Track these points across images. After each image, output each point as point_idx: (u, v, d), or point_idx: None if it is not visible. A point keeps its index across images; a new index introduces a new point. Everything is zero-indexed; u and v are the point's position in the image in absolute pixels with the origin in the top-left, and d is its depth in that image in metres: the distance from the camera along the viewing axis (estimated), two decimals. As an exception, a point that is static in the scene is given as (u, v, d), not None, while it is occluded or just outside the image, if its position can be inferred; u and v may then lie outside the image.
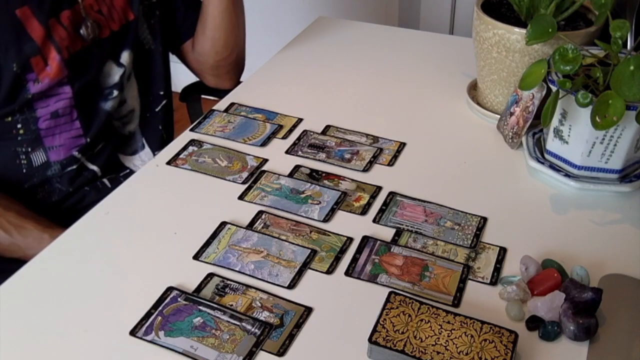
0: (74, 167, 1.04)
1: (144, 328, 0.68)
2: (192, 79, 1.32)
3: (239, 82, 1.24)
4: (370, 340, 0.64)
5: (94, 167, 1.07)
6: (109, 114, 1.07)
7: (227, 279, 0.74)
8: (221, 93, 1.18)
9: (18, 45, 0.93)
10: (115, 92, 1.07)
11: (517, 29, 0.95)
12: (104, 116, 1.07)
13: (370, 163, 0.94)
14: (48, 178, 1.03)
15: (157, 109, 1.18)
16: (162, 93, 1.19)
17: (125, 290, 0.73)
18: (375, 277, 0.75)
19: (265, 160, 0.95)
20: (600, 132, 0.83)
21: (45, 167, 1.02)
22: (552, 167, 0.91)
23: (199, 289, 0.73)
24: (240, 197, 0.87)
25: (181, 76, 1.37)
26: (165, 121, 1.20)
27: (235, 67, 1.24)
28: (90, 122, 1.04)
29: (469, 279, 0.75)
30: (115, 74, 1.07)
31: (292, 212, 0.84)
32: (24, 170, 1.01)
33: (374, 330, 0.65)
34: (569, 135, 0.88)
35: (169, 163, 0.94)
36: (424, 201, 0.87)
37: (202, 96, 1.37)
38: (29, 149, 1.00)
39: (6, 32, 0.92)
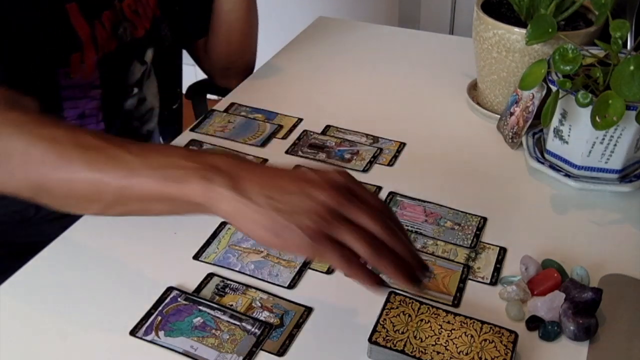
0: None
1: (144, 328, 0.68)
2: (192, 77, 1.32)
3: None
4: (370, 340, 0.64)
5: None
6: (129, 113, 1.07)
7: (227, 279, 0.74)
8: (226, 92, 1.19)
9: (63, 39, 0.91)
10: (136, 90, 1.07)
11: (517, 29, 0.95)
12: (125, 115, 1.06)
13: (370, 163, 0.94)
14: None
15: (174, 107, 1.18)
16: (178, 90, 1.19)
17: (125, 290, 0.73)
18: (375, 277, 0.75)
19: (265, 161, 0.95)
20: (600, 132, 0.83)
21: None
22: (552, 167, 0.91)
23: (199, 289, 0.73)
24: (240, 197, 0.87)
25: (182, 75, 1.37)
26: (180, 119, 1.20)
27: (245, 69, 1.24)
28: (112, 122, 1.03)
29: (469, 279, 0.75)
30: (138, 72, 1.06)
31: (292, 212, 0.84)
32: None
33: (374, 330, 0.65)
34: (569, 135, 0.88)
35: (169, 163, 0.94)
36: (424, 201, 0.87)
37: (207, 95, 1.37)
38: None
39: (55, 24, 0.90)
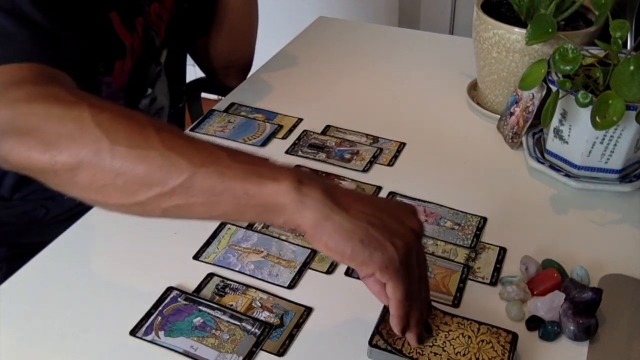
0: None
1: (144, 328, 0.68)
2: (192, 77, 1.32)
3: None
4: (370, 343, 0.64)
5: None
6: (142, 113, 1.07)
7: (227, 279, 0.74)
8: (223, 90, 1.18)
9: (109, 47, 0.91)
10: (150, 90, 1.07)
11: (517, 29, 0.95)
12: None
13: (370, 163, 0.94)
14: None
15: (180, 105, 1.18)
16: (183, 88, 1.19)
17: (125, 290, 0.73)
18: (375, 277, 0.74)
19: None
20: (600, 132, 0.83)
21: None
22: (552, 167, 0.91)
23: (199, 289, 0.73)
24: (240, 197, 0.87)
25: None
26: (183, 118, 1.20)
27: (244, 67, 1.25)
28: None
29: (469, 279, 0.74)
30: (153, 73, 1.07)
31: (292, 212, 0.84)
32: None
33: (374, 333, 0.65)
34: (569, 135, 0.88)
35: (169, 163, 0.94)
36: (424, 201, 0.87)
37: (202, 94, 1.37)
38: None
39: (102, 32, 0.90)
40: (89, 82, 0.91)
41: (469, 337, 0.64)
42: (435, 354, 0.63)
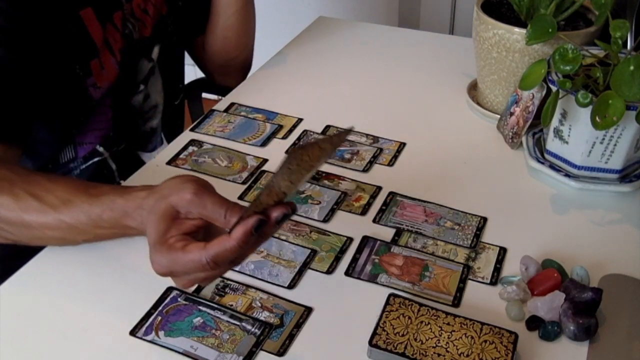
0: (95, 160, 1.03)
1: (144, 328, 0.68)
2: (192, 77, 1.32)
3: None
4: (370, 343, 0.64)
5: (113, 165, 1.06)
6: (135, 110, 1.07)
7: (227, 279, 0.74)
8: (223, 90, 1.18)
9: (81, 47, 0.91)
10: (142, 87, 1.07)
11: (517, 29, 0.95)
12: (131, 112, 1.06)
13: (370, 163, 0.94)
14: (69, 170, 1.02)
15: (176, 102, 1.18)
16: (180, 86, 1.19)
17: (125, 290, 0.73)
18: (375, 277, 0.75)
19: (265, 160, 0.95)
20: (600, 132, 0.83)
21: (70, 162, 1.01)
22: (552, 167, 0.91)
23: (199, 289, 0.73)
24: (241, 197, 0.87)
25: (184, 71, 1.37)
26: (182, 115, 1.20)
27: (243, 67, 1.24)
28: (119, 120, 1.03)
29: (469, 279, 0.75)
30: (145, 69, 1.06)
31: (292, 212, 0.84)
32: (50, 166, 1.00)
33: (374, 334, 0.65)
34: (569, 135, 0.88)
35: (169, 163, 0.94)
36: (424, 201, 0.87)
37: (202, 95, 1.37)
38: (60, 146, 0.99)
39: (71, 33, 0.90)
40: (72, 89, 0.92)
41: (472, 337, 0.64)
42: (439, 354, 0.63)
